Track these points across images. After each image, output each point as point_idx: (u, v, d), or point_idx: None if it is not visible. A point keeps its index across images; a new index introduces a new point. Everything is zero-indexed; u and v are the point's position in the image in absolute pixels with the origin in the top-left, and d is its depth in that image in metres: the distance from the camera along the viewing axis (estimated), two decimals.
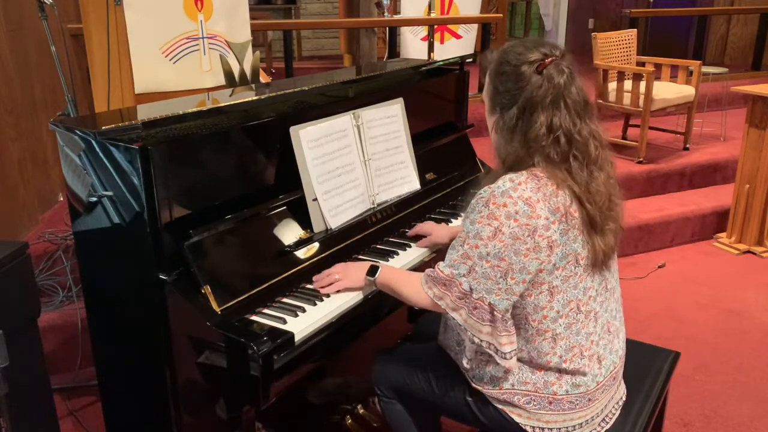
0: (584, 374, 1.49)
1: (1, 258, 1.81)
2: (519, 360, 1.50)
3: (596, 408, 1.54)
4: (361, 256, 1.93)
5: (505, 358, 1.45)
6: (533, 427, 1.51)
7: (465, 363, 1.56)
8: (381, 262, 1.85)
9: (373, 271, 1.67)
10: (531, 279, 1.40)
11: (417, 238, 2.04)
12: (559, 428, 1.51)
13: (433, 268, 1.49)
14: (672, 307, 3.30)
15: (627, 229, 3.80)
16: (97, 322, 1.88)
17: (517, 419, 1.51)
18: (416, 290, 1.52)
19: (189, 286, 1.55)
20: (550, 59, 1.41)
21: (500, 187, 1.39)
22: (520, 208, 1.36)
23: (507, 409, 1.52)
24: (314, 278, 1.75)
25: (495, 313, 1.41)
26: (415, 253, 1.97)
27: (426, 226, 2.05)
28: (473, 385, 1.55)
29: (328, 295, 1.71)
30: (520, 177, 1.39)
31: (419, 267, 1.90)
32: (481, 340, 1.45)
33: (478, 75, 5.20)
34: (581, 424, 1.53)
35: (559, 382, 1.48)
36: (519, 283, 1.39)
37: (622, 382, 1.66)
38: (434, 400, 1.66)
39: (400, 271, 1.71)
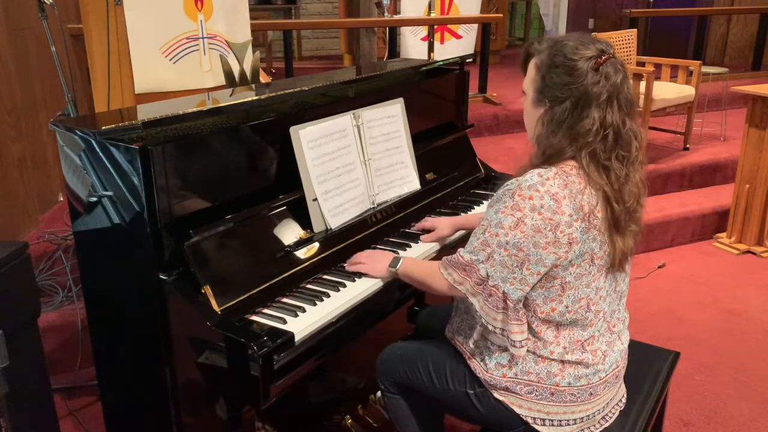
0: (586, 366, 1.51)
1: (1, 258, 1.81)
2: None
3: (598, 404, 1.55)
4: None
5: (515, 347, 1.48)
6: (534, 418, 1.52)
7: (472, 345, 1.57)
8: (401, 253, 1.88)
9: (395, 262, 1.74)
10: (546, 272, 1.42)
11: (417, 235, 2.06)
12: (560, 420, 1.52)
13: (454, 253, 1.52)
14: (672, 307, 3.30)
15: None
16: (97, 322, 1.88)
17: (517, 410, 1.52)
18: (435, 276, 1.56)
19: (189, 286, 1.55)
20: (605, 57, 1.40)
21: (527, 181, 1.40)
22: (546, 202, 1.37)
23: (508, 401, 1.53)
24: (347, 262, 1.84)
25: (507, 302, 1.44)
26: (416, 252, 1.97)
27: (431, 221, 2.10)
28: (477, 372, 1.56)
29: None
30: (549, 172, 1.40)
31: None
32: (495, 328, 1.47)
33: (478, 75, 5.23)
34: (582, 418, 1.53)
35: (562, 373, 1.50)
36: (534, 274, 1.41)
37: (623, 384, 1.66)
38: (436, 394, 1.67)
39: (419, 261, 1.76)
